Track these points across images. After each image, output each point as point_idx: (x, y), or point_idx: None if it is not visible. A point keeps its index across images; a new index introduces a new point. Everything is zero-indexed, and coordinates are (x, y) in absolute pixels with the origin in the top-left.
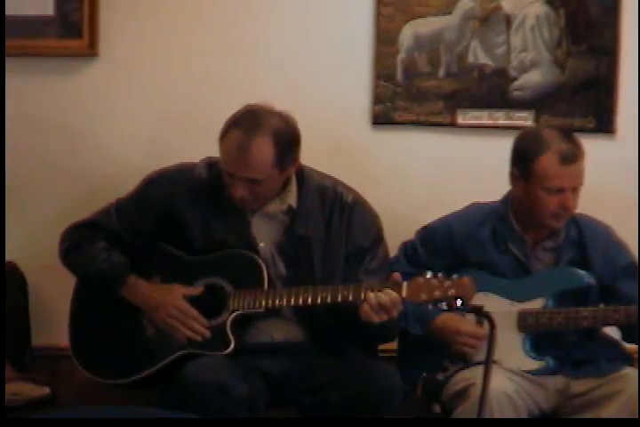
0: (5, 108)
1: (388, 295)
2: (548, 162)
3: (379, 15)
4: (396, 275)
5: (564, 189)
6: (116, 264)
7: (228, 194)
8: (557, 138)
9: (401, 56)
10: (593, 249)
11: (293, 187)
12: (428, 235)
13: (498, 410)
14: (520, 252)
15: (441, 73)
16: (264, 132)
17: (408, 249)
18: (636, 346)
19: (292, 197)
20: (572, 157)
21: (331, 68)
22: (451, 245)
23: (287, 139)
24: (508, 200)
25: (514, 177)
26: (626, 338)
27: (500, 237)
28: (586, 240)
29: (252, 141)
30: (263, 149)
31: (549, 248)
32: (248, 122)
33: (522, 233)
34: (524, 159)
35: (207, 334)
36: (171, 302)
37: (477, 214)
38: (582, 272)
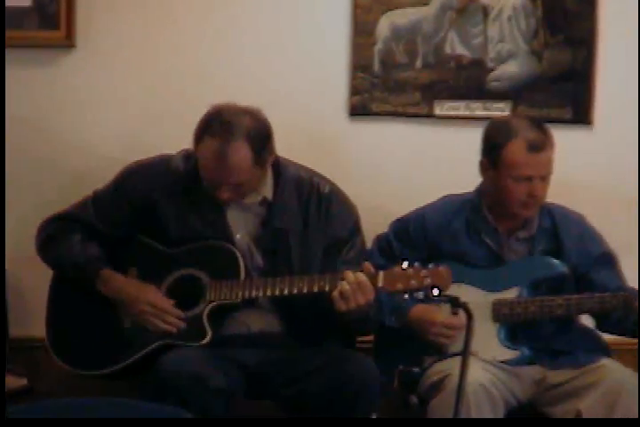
0: None
1: (357, 277)
2: (515, 150)
3: (356, 6)
4: (367, 265)
5: (532, 178)
6: (90, 257)
7: (205, 187)
8: (525, 126)
9: (378, 47)
10: (567, 239)
11: (268, 179)
12: (402, 227)
13: (474, 401)
14: (494, 242)
15: (418, 64)
16: (237, 137)
17: (382, 242)
18: (614, 336)
19: (266, 189)
20: (540, 145)
21: (308, 59)
22: (424, 237)
23: (260, 137)
24: (480, 191)
25: (483, 166)
26: (600, 327)
27: (474, 228)
28: (559, 230)
29: (228, 149)
30: (240, 155)
31: (523, 238)
32: (220, 129)
33: (495, 224)
34: (492, 148)
35: (182, 325)
36: (143, 298)
37: (451, 206)
38: (556, 261)
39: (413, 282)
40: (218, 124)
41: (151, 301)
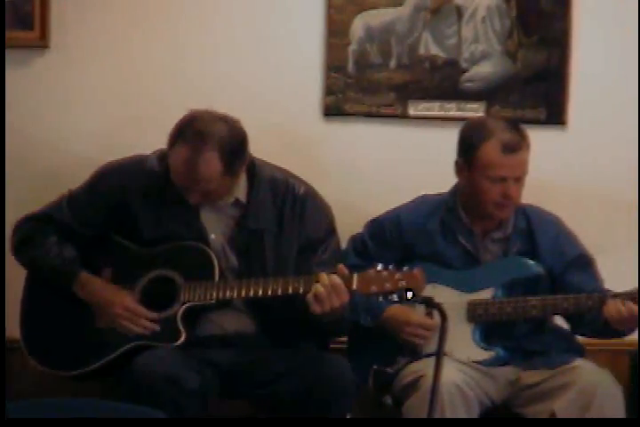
0: None
1: (332, 280)
2: (489, 150)
3: (330, 7)
4: (342, 267)
5: (507, 179)
6: (67, 260)
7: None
8: (501, 127)
9: (352, 48)
10: (542, 240)
11: (242, 180)
12: (377, 227)
13: (448, 402)
14: (469, 243)
15: (392, 64)
16: (210, 146)
17: (357, 242)
18: (587, 338)
19: (239, 191)
20: (515, 146)
21: (282, 60)
22: (400, 238)
23: (233, 146)
24: (456, 191)
25: (458, 167)
26: (573, 329)
27: (449, 229)
28: (535, 231)
29: (199, 159)
30: (211, 165)
31: (498, 239)
32: (192, 136)
33: (470, 224)
34: (467, 148)
35: (156, 328)
36: (119, 302)
37: (426, 206)
38: (531, 262)
39: (388, 285)
40: (191, 131)
41: (126, 305)
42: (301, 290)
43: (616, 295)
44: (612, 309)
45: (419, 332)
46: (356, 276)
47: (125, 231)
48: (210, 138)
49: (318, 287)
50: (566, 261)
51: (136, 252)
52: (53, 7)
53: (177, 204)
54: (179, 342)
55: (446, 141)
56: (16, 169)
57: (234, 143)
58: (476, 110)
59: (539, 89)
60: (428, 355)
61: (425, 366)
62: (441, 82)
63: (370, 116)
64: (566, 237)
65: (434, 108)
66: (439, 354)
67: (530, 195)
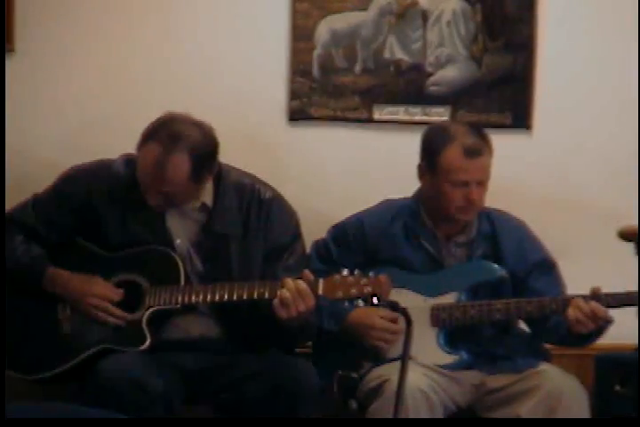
0: None
1: (297, 285)
2: (452, 155)
3: (294, 11)
4: (307, 273)
5: (469, 183)
6: (35, 256)
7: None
8: (464, 131)
9: (317, 52)
10: (505, 244)
11: (209, 185)
12: (341, 232)
13: (412, 406)
14: (432, 247)
15: (357, 68)
16: (181, 148)
17: (320, 247)
18: (551, 344)
19: (206, 195)
20: (477, 150)
21: (247, 63)
22: (363, 242)
23: (204, 152)
24: (419, 196)
25: (421, 171)
26: (538, 335)
27: (413, 233)
28: (498, 235)
29: (168, 159)
30: (179, 167)
31: (462, 243)
32: (165, 137)
33: (433, 228)
34: (430, 152)
35: (127, 316)
36: (89, 291)
37: (389, 210)
38: (495, 265)
39: (353, 290)
40: (166, 132)
41: (97, 293)
42: (267, 295)
43: (580, 297)
44: (575, 308)
45: (383, 336)
46: (321, 281)
47: (91, 235)
48: (183, 140)
49: (284, 292)
50: (529, 265)
51: (101, 256)
52: (18, 11)
53: (143, 209)
54: (144, 346)
55: (412, 146)
56: None
57: (205, 150)
58: (441, 115)
59: (504, 93)
60: (393, 359)
61: (389, 371)
62: (406, 86)
63: (335, 120)
64: (530, 241)
65: (399, 113)
66: (404, 358)
67: (495, 199)
